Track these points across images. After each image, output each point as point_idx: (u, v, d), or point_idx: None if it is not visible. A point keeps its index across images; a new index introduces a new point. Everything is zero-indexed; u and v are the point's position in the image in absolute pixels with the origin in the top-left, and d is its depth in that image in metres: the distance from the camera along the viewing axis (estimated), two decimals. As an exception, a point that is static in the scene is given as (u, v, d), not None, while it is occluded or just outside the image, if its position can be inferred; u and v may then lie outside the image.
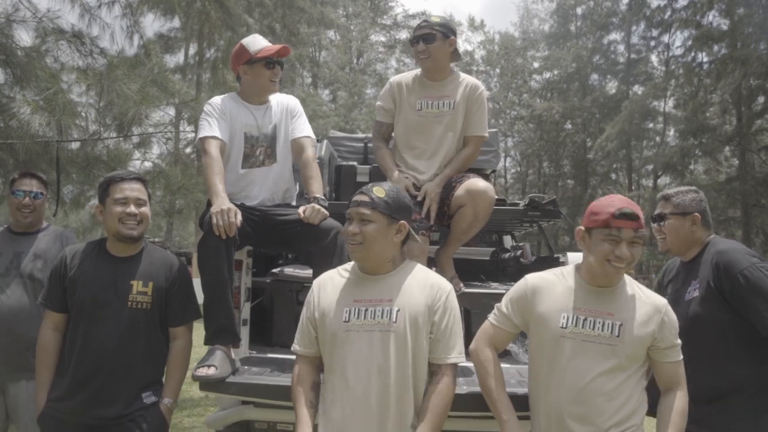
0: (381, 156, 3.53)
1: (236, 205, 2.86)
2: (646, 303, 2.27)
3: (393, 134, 3.61)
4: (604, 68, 41.98)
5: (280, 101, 3.38)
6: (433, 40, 3.36)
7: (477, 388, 2.51)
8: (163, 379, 2.79)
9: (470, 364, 2.78)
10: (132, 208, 2.69)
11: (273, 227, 3.00)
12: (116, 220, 2.67)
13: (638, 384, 2.26)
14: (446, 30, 3.40)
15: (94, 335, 2.60)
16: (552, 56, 43.22)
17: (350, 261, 2.70)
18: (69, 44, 6.12)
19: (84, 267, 2.70)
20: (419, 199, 3.26)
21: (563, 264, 3.22)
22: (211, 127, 3.12)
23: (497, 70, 48.17)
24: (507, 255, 4.44)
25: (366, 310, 2.21)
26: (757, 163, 30.57)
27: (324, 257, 2.92)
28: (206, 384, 2.68)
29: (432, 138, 3.45)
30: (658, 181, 36.65)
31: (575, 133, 42.50)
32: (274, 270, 3.57)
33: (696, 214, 2.70)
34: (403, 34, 44.54)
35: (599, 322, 2.23)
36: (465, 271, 3.37)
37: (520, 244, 4.56)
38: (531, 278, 2.45)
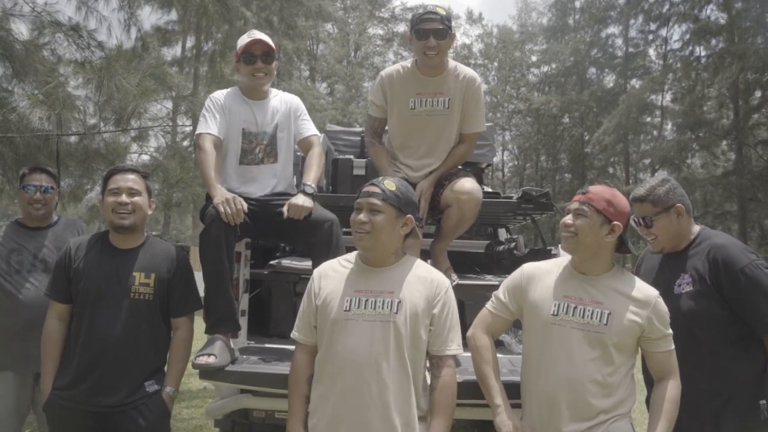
0: (375, 153, 3.51)
1: None
2: (637, 294, 2.32)
3: (387, 128, 3.59)
4: (601, 62, 41.95)
5: (284, 100, 3.38)
6: (444, 36, 3.21)
7: (470, 377, 2.56)
8: (165, 368, 2.84)
9: (465, 354, 2.86)
10: (123, 198, 2.74)
11: (271, 218, 3.04)
12: (110, 210, 2.74)
13: (628, 374, 2.32)
14: (451, 24, 3.28)
15: (97, 325, 2.66)
16: (550, 50, 43.17)
17: (345, 252, 2.77)
18: (67, 37, 6.13)
19: (88, 258, 2.76)
20: None
21: (555, 256, 3.28)
22: (207, 123, 3.16)
23: (495, 64, 48.13)
24: (501, 248, 4.49)
25: (367, 300, 2.27)
26: (753, 157, 30.64)
27: (321, 248, 2.96)
28: (206, 372, 2.73)
29: (425, 137, 3.41)
30: (656, 174, 36.70)
31: (573, 126, 42.52)
32: (272, 262, 3.62)
33: (678, 205, 2.63)
34: (401, 27, 44.44)
35: (589, 310, 2.29)
36: (460, 264, 3.42)
37: (514, 236, 4.61)
38: (527, 267, 2.53)
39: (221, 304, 2.91)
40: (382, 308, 2.25)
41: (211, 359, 2.71)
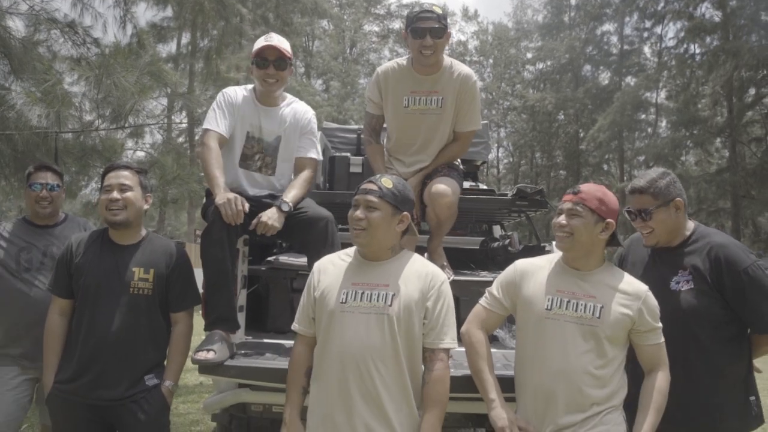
0: (371, 153, 3.53)
1: None
2: (628, 288, 2.37)
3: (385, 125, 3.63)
4: (597, 59, 42.03)
5: (297, 111, 3.31)
6: (441, 34, 3.24)
7: (465, 371, 2.61)
8: (165, 363, 2.88)
9: (459, 349, 2.90)
10: (114, 194, 2.77)
11: None
12: (104, 208, 2.79)
13: (619, 367, 2.37)
14: (446, 22, 3.30)
15: (97, 320, 2.71)
16: (545, 47, 43.23)
17: (341, 249, 2.81)
18: (63, 34, 6.13)
19: (88, 254, 2.81)
20: None
21: (549, 252, 3.32)
22: (215, 121, 3.14)
23: (490, 61, 48.15)
24: (496, 244, 4.54)
25: (363, 293, 2.31)
26: (747, 155, 30.80)
27: (316, 246, 2.99)
28: (205, 367, 2.75)
29: (417, 135, 3.45)
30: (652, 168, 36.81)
31: (568, 123, 42.61)
32: (270, 258, 3.65)
33: (678, 199, 2.62)
34: (397, 24, 44.39)
35: (581, 304, 2.34)
36: (455, 260, 3.46)
37: (509, 233, 4.65)
38: (520, 263, 2.58)
39: (222, 303, 2.94)
40: (377, 300, 2.29)
41: (210, 354, 2.73)
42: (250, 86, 3.32)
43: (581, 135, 40.52)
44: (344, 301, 2.32)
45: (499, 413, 2.37)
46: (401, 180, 2.47)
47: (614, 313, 2.32)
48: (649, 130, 38.78)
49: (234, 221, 2.81)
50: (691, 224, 2.69)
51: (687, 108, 30.41)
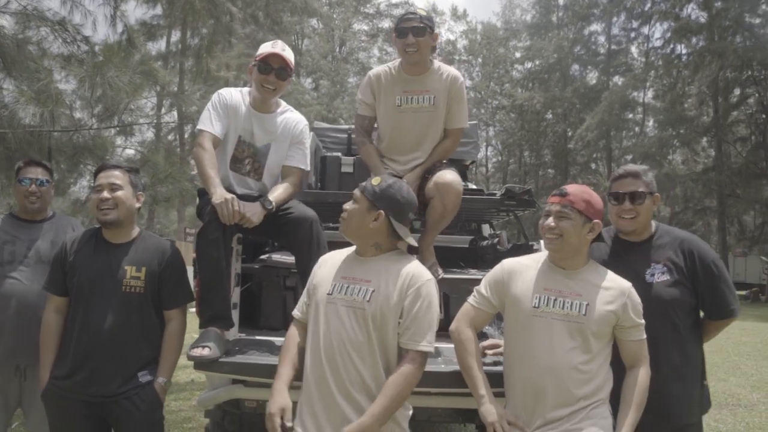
0: (366, 152, 3.58)
1: None
2: (612, 285, 2.45)
3: (375, 126, 3.68)
4: (584, 59, 42.31)
5: (290, 120, 3.34)
6: (423, 33, 3.35)
7: (454, 367, 2.68)
8: (158, 360, 2.92)
9: (449, 345, 2.96)
10: (104, 194, 2.80)
11: None
12: (95, 208, 2.83)
13: (605, 362, 2.44)
14: (432, 24, 3.42)
15: (91, 318, 2.74)
16: (533, 46, 43.45)
17: (327, 250, 2.86)
18: (53, 32, 6.11)
19: (82, 253, 2.84)
20: None
21: (537, 251, 3.39)
22: (209, 122, 3.16)
23: (479, 60, 48.33)
24: (485, 243, 4.60)
25: (348, 286, 2.37)
26: (732, 154, 31.14)
27: (301, 246, 3.05)
28: (200, 363, 2.79)
29: (411, 132, 3.52)
30: (637, 170, 37.08)
31: (556, 123, 42.84)
32: (263, 256, 3.69)
33: (656, 194, 2.78)
34: (386, 23, 44.45)
35: (568, 302, 2.41)
36: (445, 258, 3.50)
37: (497, 232, 4.71)
38: (507, 262, 2.63)
39: (217, 301, 2.98)
40: (357, 295, 2.34)
41: (206, 351, 2.77)
42: (245, 89, 3.34)
43: (569, 134, 40.76)
44: (330, 293, 2.38)
45: (489, 408, 2.43)
46: (398, 183, 2.47)
47: (599, 309, 2.39)
48: (637, 129, 39.13)
49: (230, 221, 2.84)
50: (653, 221, 2.85)
51: (674, 107, 30.71)
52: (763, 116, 29.19)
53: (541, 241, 3.42)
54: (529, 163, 46.23)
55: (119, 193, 2.84)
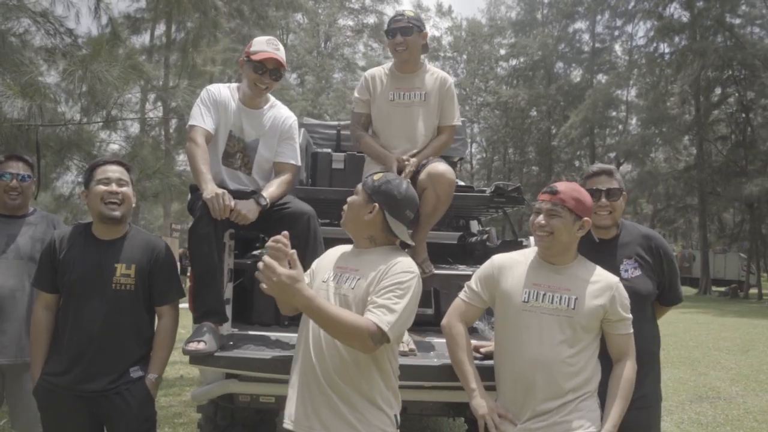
0: (366, 144, 3.64)
1: None
2: (599, 280, 2.51)
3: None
4: (569, 56, 42.62)
5: (278, 116, 3.37)
6: (410, 32, 3.50)
7: (445, 361, 2.73)
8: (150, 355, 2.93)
9: (440, 340, 3.01)
10: (114, 187, 2.78)
11: None
12: (99, 201, 2.77)
13: (593, 355, 2.49)
14: (420, 24, 3.56)
15: (83, 315, 2.74)
16: (518, 43, 43.68)
17: (324, 245, 2.89)
18: (35, 23, 6.04)
19: (72, 250, 2.82)
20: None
21: (526, 247, 3.44)
22: (201, 117, 3.17)
23: (464, 57, 48.50)
24: (474, 239, 4.65)
25: (340, 276, 2.40)
26: (713, 152, 31.56)
27: (298, 240, 3.05)
28: (196, 358, 2.81)
29: (403, 125, 3.60)
30: (620, 168, 37.50)
31: (540, 120, 43.14)
32: (255, 252, 3.70)
33: (625, 193, 2.90)
34: (371, 19, 44.46)
35: (557, 296, 2.47)
36: (433, 254, 3.54)
37: (486, 228, 4.76)
38: (497, 258, 2.68)
39: (211, 297, 2.99)
40: (345, 283, 2.37)
41: (201, 345, 2.78)
42: (233, 85, 3.36)
43: (553, 131, 41.08)
44: (325, 280, 2.42)
45: (480, 402, 2.49)
46: (397, 180, 2.49)
47: (588, 303, 2.45)
48: (620, 127, 39.48)
49: (221, 216, 2.85)
50: None
51: (656, 106, 31.05)
52: (743, 115, 29.61)
53: (531, 238, 3.48)
54: (513, 160, 46.50)
55: (125, 189, 2.83)
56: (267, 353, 2.91)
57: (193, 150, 3.07)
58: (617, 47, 40.95)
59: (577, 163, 42.81)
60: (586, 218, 2.48)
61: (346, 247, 2.57)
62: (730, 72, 29.09)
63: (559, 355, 2.41)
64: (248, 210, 2.95)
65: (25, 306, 3.14)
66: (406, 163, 3.37)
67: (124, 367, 2.78)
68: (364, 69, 44.85)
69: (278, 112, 3.38)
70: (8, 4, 5.72)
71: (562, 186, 2.51)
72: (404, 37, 3.51)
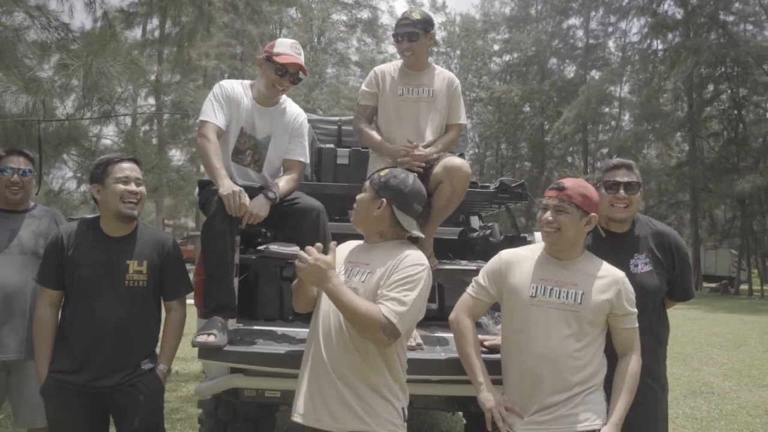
0: (368, 136, 3.69)
1: None
2: (606, 275, 2.54)
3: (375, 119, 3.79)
4: (562, 52, 42.69)
5: (290, 113, 3.39)
6: (417, 38, 3.57)
7: (453, 354, 2.75)
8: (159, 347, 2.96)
9: (446, 334, 3.03)
10: (133, 186, 2.78)
11: None
12: (118, 199, 2.76)
13: (599, 349, 2.53)
14: (427, 25, 3.60)
15: (95, 313, 2.73)
16: (512, 39, 43.68)
17: (332, 240, 2.90)
18: (30, 17, 6.00)
19: (81, 247, 2.80)
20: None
21: (530, 243, 3.47)
22: (213, 113, 3.17)
23: (457, 52, 48.47)
24: (475, 234, 4.67)
25: (351, 270, 2.45)
26: (705, 149, 31.71)
27: (307, 236, 3.07)
28: (205, 351, 2.81)
29: (410, 122, 3.65)
30: (613, 164, 37.63)
31: (533, 116, 43.22)
32: (260, 247, 3.71)
33: (642, 188, 2.95)
34: (365, 14, 44.36)
35: (564, 291, 2.50)
36: (434, 249, 3.56)
37: (490, 224, 4.79)
38: (505, 253, 2.71)
39: (222, 292, 3.00)
40: (355, 277, 2.41)
41: (211, 338, 2.79)
42: (246, 81, 3.37)
43: (546, 127, 41.15)
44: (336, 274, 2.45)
45: (487, 395, 2.52)
46: (403, 175, 2.51)
47: (594, 298, 2.48)
48: (613, 123, 39.60)
49: (236, 213, 2.88)
50: None
51: (649, 102, 31.17)
52: (736, 112, 29.77)
53: (535, 233, 3.51)
54: (506, 155, 46.59)
55: (143, 188, 2.85)
56: (277, 348, 2.92)
57: (205, 146, 3.08)
58: (611, 44, 41.10)
59: (569, 159, 42.94)
60: (593, 214, 2.51)
61: (357, 242, 2.60)
62: (723, 69, 29.23)
63: (566, 349, 2.44)
64: (259, 208, 2.97)
65: (30, 302, 3.12)
66: (414, 147, 3.43)
67: (137, 362, 2.80)
68: (357, 64, 44.87)
69: (290, 109, 3.40)
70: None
71: (568, 182, 2.54)
72: (411, 43, 3.58)
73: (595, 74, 39.96)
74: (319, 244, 2.32)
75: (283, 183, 3.18)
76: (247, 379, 3.06)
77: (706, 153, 31.58)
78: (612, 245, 2.86)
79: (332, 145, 4.61)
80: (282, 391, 3.11)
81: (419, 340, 3.09)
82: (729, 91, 30.04)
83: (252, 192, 3.06)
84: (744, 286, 28.45)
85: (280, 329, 3.34)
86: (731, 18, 29.24)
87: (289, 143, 3.37)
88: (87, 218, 2.99)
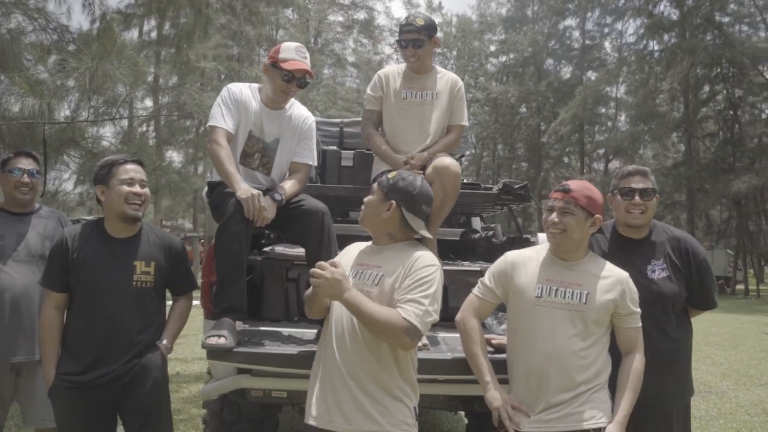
0: (375, 142, 3.71)
1: None
2: (610, 275, 2.58)
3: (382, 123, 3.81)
4: (559, 53, 42.73)
5: (297, 116, 3.42)
6: (422, 44, 3.61)
7: (459, 354, 2.78)
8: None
9: (452, 335, 3.06)
10: (137, 188, 2.81)
11: None
12: (123, 200, 2.78)
13: (604, 348, 2.57)
14: (431, 30, 3.64)
15: (105, 315, 2.75)
16: (508, 40, 43.69)
17: (337, 242, 2.93)
18: (30, 19, 6.01)
19: (87, 249, 2.81)
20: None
21: (533, 243, 3.50)
22: (222, 118, 3.19)
23: (454, 53, 48.44)
24: (477, 235, 4.71)
25: (362, 272, 2.48)
26: (701, 149, 31.80)
27: (312, 237, 3.11)
28: (214, 353, 2.83)
29: (415, 123, 3.68)
30: (609, 164, 37.75)
31: (530, 116, 43.23)
32: (266, 249, 3.74)
33: (657, 195, 2.98)
34: (361, 14, 44.35)
35: (569, 292, 2.54)
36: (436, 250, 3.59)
37: (492, 225, 4.82)
38: (510, 255, 2.75)
39: (234, 294, 3.03)
40: (368, 279, 2.45)
41: (222, 340, 2.81)
42: (255, 85, 3.39)
43: (543, 128, 41.16)
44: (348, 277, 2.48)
45: (494, 394, 2.56)
46: (410, 177, 2.56)
47: (599, 298, 2.52)
48: (609, 124, 39.65)
49: (255, 216, 2.92)
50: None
51: (645, 103, 31.20)
52: (731, 113, 29.87)
53: (538, 234, 3.54)
54: (502, 156, 46.60)
55: (147, 190, 2.87)
56: (285, 348, 2.95)
57: (216, 151, 3.11)
58: (607, 44, 41.16)
59: (566, 160, 43.01)
60: (597, 215, 2.55)
61: (364, 244, 2.64)
62: (719, 70, 29.34)
63: (571, 348, 2.48)
64: (266, 209, 3.00)
65: (38, 304, 3.14)
66: (411, 160, 3.44)
67: (142, 355, 2.84)
68: (354, 65, 44.87)
69: (298, 112, 3.43)
70: (5, 2, 5.68)
71: (574, 184, 2.58)
72: (416, 49, 3.62)
73: (592, 75, 40.04)
74: (333, 260, 2.37)
75: (289, 185, 3.21)
76: (254, 380, 3.09)
77: (702, 153, 31.68)
78: (629, 251, 2.91)
79: (336, 147, 4.63)
80: (289, 391, 3.15)
81: (425, 341, 3.12)
82: (725, 92, 30.13)
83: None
84: (740, 286, 28.54)
85: (286, 330, 3.37)
86: (727, 19, 29.36)
87: (297, 146, 3.40)
88: (91, 220, 3.02)
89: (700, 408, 6.63)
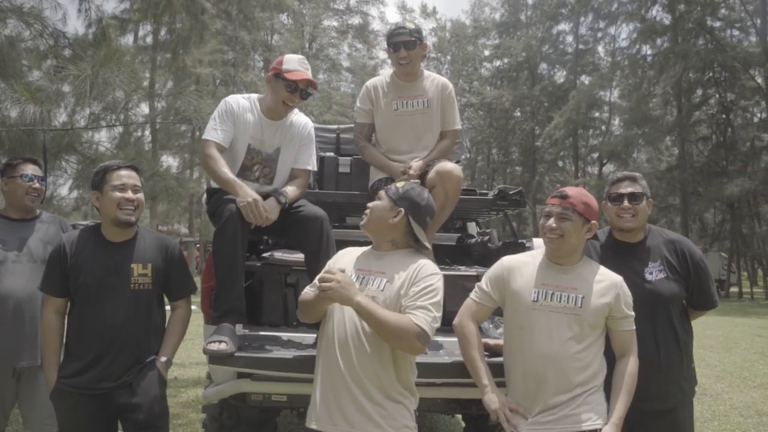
0: (370, 154, 3.74)
1: None
2: (605, 279, 2.63)
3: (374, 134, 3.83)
4: (552, 58, 42.90)
5: (297, 123, 3.44)
6: (413, 46, 3.61)
7: (456, 358, 2.82)
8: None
9: (450, 339, 3.10)
10: (129, 194, 2.84)
11: None
12: (115, 206, 2.81)
13: (599, 351, 2.61)
14: (421, 35, 3.66)
15: (103, 318, 2.79)
16: (502, 45, 43.89)
17: (336, 248, 2.97)
18: (27, 26, 6.03)
19: (84, 254, 2.85)
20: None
21: (529, 248, 3.55)
22: (214, 131, 3.23)
23: (448, 58, 48.63)
24: (474, 240, 4.75)
25: (364, 278, 2.52)
26: (695, 153, 31.97)
27: (311, 244, 3.14)
28: (216, 358, 2.86)
29: (409, 134, 3.70)
30: (603, 168, 37.90)
31: (524, 121, 43.37)
32: (265, 254, 3.77)
33: (651, 199, 3.02)
34: (356, 20, 44.45)
35: (565, 296, 2.59)
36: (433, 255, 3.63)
37: (488, 230, 4.86)
38: (506, 260, 2.79)
39: (232, 297, 3.06)
40: (372, 285, 2.49)
41: (223, 345, 2.83)
42: (254, 96, 3.41)
43: (537, 132, 41.30)
44: None
45: (492, 397, 2.60)
46: (418, 188, 2.65)
47: (594, 302, 2.56)
48: (603, 128, 39.80)
49: (255, 222, 2.96)
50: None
51: (639, 107, 31.37)
52: (724, 116, 30.07)
53: (534, 240, 3.59)
54: (497, 160, 46.76)
55: (140, 195, 2.89)
56: (285, 353, 2.98)
57: (210, 163, 3.14)
58: (600, 49, 41.39)
59: (560, 164, 43.16)
60: (593, 221, 2.61)
61: (360, 250, 2.68)
62: (711, 74, 29.54)
63: (567, 351, 2.52)
64: (270, 211, 3.03)
65: (41, 309, 3.16)
66: (409, 169, 3.47)
67: (142, 361, 2.86)
68: (348, 70, 44.95)
69: (298, 119, 3.46)
70: (2, 9, 5.69)
71: (571, 191, 2.63)
72: (408, 51, 3.61)
73: (585, 79, 40.23)
74: (341, 267, 2.42)
75: (291, 190, 3.25)
76: (254, 384, 3.12)
77: (696, 157, 31.86)
78: (626, 255, 2.97)
79: (333, 154, 4.67)
80: (289, 394, 3.18)
81: None
82: (717, 96, 30.34)
83: (262, 196, 3.11)
84: (734, 289, 28.68)
85: (285, 335, 3.40)
86: (718, 24, 29.59)
87: (297, 152, 3.43)
88: (89, 226, 3.05)
89: (694, 410, 6.67)
